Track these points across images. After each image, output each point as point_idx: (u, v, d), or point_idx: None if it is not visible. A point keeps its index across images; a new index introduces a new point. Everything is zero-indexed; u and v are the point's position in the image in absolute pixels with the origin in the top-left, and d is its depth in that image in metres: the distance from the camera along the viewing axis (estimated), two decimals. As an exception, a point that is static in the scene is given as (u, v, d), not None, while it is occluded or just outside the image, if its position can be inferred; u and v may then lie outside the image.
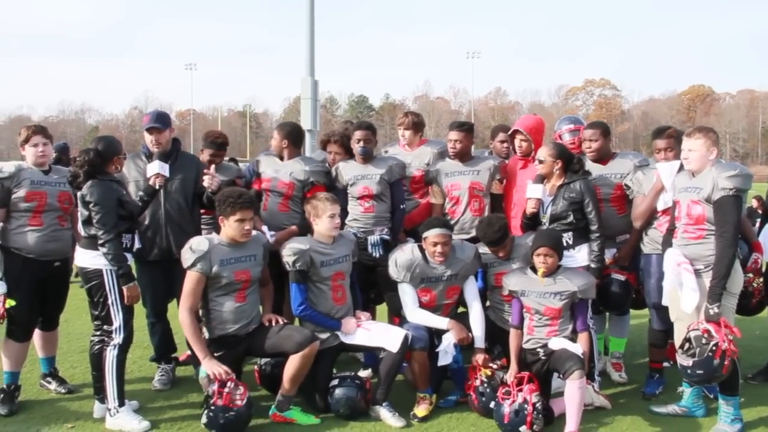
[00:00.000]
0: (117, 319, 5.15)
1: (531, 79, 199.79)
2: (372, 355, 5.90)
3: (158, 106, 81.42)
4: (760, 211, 17.25)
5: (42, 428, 5.19)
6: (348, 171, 6.17)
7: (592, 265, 5.62)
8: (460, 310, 5.92)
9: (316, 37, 16.06)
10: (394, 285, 5.71)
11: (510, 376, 5.26)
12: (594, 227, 5.63)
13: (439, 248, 5.47)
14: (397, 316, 5.90)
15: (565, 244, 5.53)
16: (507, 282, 5.43)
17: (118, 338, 5.15)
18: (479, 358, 5.51)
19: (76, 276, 5.91)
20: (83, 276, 5.22)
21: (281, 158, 6.24)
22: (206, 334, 5.31)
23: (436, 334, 5.57)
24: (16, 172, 5.42)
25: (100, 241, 5.03)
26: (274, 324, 5.43)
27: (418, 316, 5.59)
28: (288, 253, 5.43)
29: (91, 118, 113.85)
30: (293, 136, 6.26)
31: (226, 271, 5.19)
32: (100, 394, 5.24)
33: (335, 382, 5.44)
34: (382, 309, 6.48)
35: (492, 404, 5.23)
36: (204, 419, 5.00)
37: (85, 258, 5.17)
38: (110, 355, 5.13)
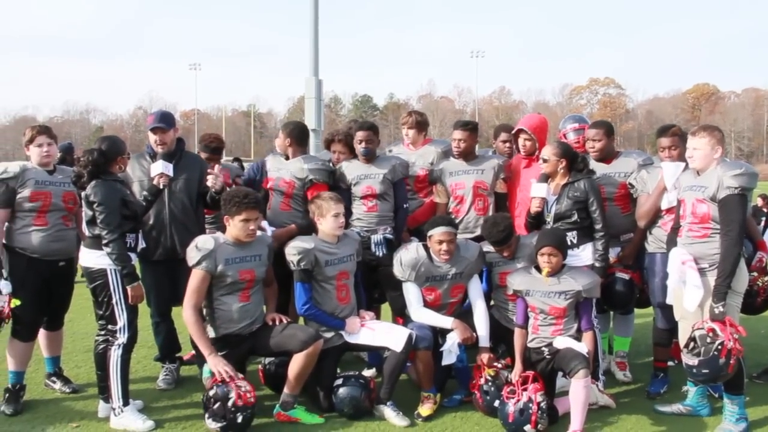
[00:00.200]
0: (121, 319, 5.16)
1: (535, 79, 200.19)
2: (376, 354, 5.91)
3: (162, 106, 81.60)
4: (765, 210, 17.31)
5: (47, 428, 5.20)
6: (351, 170, 6.17)
7: (597, 264, 5.61)
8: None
9: (321, 36, 16.08)
10: (397, 285, 5.71)
11: (515, 375, 5.25)
12: (598, 226, 5.63)
13: (444, 246, 5.47)
14: (400, 316, 5.90)
15: (569, 243, 5.52)
16: (511, 282, 5.43)
17: (122, 338, 5.17)
18: (483, 357, 5.51)
19: (81, 276, 5.92)
20: (87, 276, 5.23)
21: (286, 158, 6.25)
22: (211, 333, 5.30)
23: (440, 334, 5.57)
24: (20, 172, 5.43)
25: (104, 241, 5.04)
26: (277, 323, 5.43)
27: (422, 315, 5.59)
28: (292, 253, 5.43)
29: (96, 119, 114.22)
30: (296, 134, 6.26)
31: (230, 270, 5.20)
32: (105, 393, 5.26)
33: (339, 381, 5.44)
34: (386, 308, 6.47)
35: (496, 403, 5.23)
36: (216, 424, 4.97)
37: (90, 258, 5.18)
38: (114, 355, 5.14)
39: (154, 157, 5.82)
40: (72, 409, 5.56)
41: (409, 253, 5.62)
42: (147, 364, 6.68)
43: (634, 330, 6.51)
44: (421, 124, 6.66)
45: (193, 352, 6.17)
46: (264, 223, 5.85)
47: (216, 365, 5.08)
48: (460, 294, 5.75)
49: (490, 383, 5.39)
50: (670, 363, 6.08)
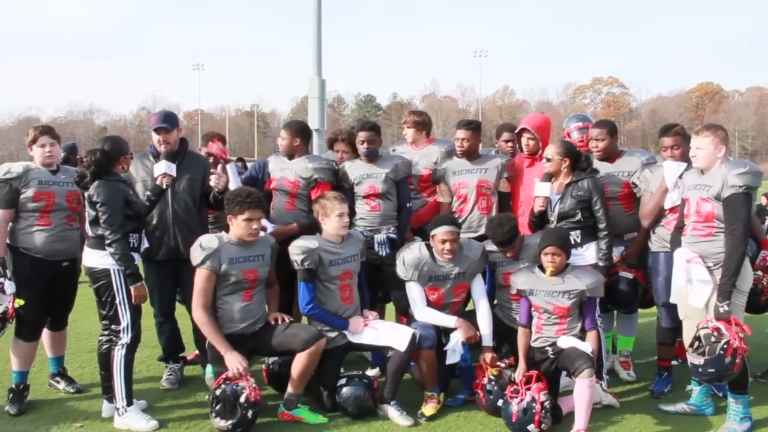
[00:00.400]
0: (125, 319, 5.17)
1: (538, 78, 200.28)
2: (380, 354, 5.90)
3: (166, 107, 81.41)
4: (769, 209, 17.27)
5: (51, 428, 5.20)
6: (353, 170, 6.17)
7: (600, 264, 5.60)
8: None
9: (324, 36, 16.05)
10: (401, 284, 5.71)
11: (518, 375, 5.24)
12: (602, 225, 5.62)
13: (447, 246, 5.47)
14: (404, 315, 5.90)
15: (573, 242, 5.51)
16: (515, 281, 5.43)
17: (125, 338, 5.17)
18: (486, 356, 5.50)
19: (85, 275, 5.92)
20: (91, 276, 5.24)
21: (290, 158, 6.25)
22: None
23: (443, 333, 5.57)
24: (23, 173, 5.44)
25: (108, 241, 5.04)
26: (280, 322, 5.43)
27: (425, 314, 5.59)
28: (296, 252, 5.43)
29: (100, 119, 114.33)
30: (303, 132, 6.31)
31: (234, 270, 5.20)
32: (109, 393, 5.26)
33: (343, 381, 5.44)
34: (390, 307, 6.47)
35: (500, 402, 5.22)
36: (227, 421, 4.97)
37: (93, 258, 5.19)
38: (118, 355, 5.15)
39: (157, 157, 5.82)
40: (76, 409, 5.57)
41: (412, 253, 5.62)
42: (150, 363, 6.68)
43: (637, 329, 6.50)
44: (419, 124, 6.65)
45: (197, 352, 6.20)
46: (264, 221, 5.85)
47: (233, 362, 5.09)
48: (463, 293, 5.75)
49: (493, 383, 5.39)
50: (674, 362, 6.07)
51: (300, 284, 5.48)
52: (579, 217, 5.62)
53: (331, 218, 5.49)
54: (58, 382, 5.99)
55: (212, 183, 5.76)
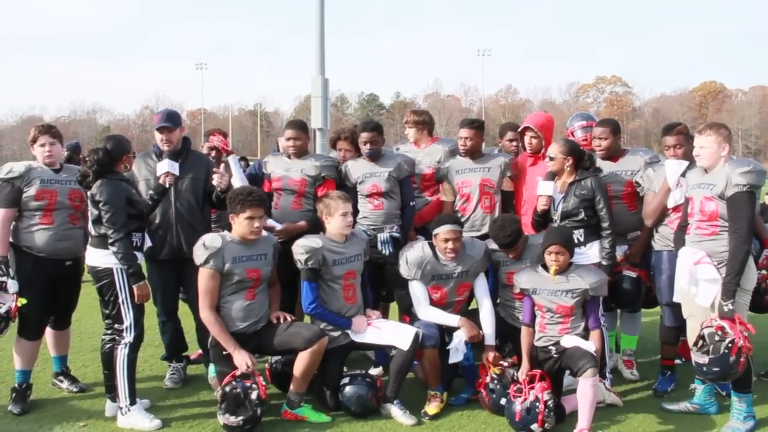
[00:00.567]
0: (128, 318, 5.17)
1: (542, 77, 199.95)
2: (383, 353, 5.90)
3: (169, 106, 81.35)
4: (773, 208, 17.21)
5: (54, 427, 5.21)
6: (356, 169, 6.17)
7: (604, 263, 5.60)
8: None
9: (327, 35, 16.12)
10: (404, 283, 5.70)
11: (522, 374, 5.24)
12: (605, 224, 5.61)
13: (450, 244, 5.46)
14: (407, 314, 5.89)
15: (576, 241, 5.51)
16: (518, 280, 5.42)
17: (128, 337, 5.17)
18: (489, 355, 5.50)
19: (88, 273, 5.92)
20: (94, 275, 5.24)
21: (288, 156, 6.26)
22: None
23: (446, 332, 5.56)
24: (25, 172, 5.44)
25: (110, 240, 5.05)
26: (282, 321, 5.43)
27: (428, 313, 5.59)
28: (300, 251, 5.42)
29: (103, 118, 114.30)
30: (307, 129, 6.32)
31: (238, 269, 5.20)
32: (112, 392, 5.27)
33: (346, 380, 5.44)
34: (394, 306, 6.47)
35: (503, 401, 5.22)
36: (237, 417, 4.96)
37: (96, 257, 5.19)
38: (121, 354, 5.15)
39: (160, 156, 5.82)
40: (79, 409, 5.57)
41: (414, 252, 5.61)
42: (154, 363, 6.69)
43: (641, 328, 6.48)
44: (420, 123, 6.65)
45: (200, 351, 6.20)
46: (270, 221, 5.85)
47: (242, 360, 5.10)
48: (466, 292, 5.74)
49: (496, 382, 5.38)
50: (677, 361, 6.06)
51: (303, 284, 5.47)
52: (582, 216, 5.62)
53: (335, 217, 5.49)
54: (62, 382, 6.00)
55: (215, 182, 5.75)
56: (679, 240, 5.19)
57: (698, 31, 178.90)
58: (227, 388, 5.05)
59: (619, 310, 6.41)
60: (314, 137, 15.15)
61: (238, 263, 5.20)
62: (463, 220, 6.02)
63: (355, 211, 5.99)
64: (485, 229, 6.00)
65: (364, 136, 6.13)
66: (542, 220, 5.80)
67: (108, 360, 5.22)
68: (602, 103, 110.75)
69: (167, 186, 5.55)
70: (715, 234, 4.89)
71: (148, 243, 5.53)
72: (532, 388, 5.06)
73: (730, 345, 4.63)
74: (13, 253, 5.45)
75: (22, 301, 5.29)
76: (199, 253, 5.20)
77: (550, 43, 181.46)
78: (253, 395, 5.00)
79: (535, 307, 5.33)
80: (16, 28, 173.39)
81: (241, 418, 4.96)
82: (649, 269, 5.91)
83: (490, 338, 5.55)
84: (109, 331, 5.25)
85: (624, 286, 5.79)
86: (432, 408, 5.39)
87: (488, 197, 6.21)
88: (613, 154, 6.05)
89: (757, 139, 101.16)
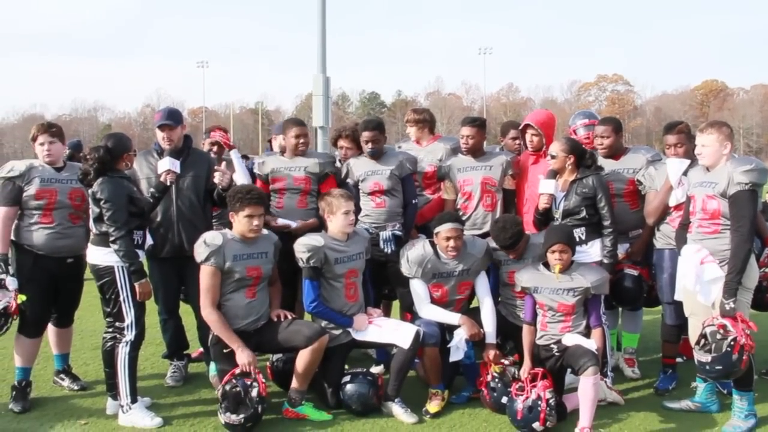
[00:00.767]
0: (129, 316, 5.17)
1: (543, 75, 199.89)
2: (384, 351, 5.90)
3: (170, 104, 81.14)
4: (774, 206, 17.18)
5: (55, 425, 5.21)
6: (359, 167, 6.17)
7: (605, 261, 5.59)
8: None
9: (328, 33, 16.04)
10: (406, 281, 5.70)
11: (523, 372, 5.24)
12: (607, 222, 5.61)
13: (451, 243, 5.46)
14: (409, 312, 5.89)
15: (577, 239, 5.51)
16: (519, 279, 5.41)
17: (130, 335, 5.18)
18: (490, 354, 5.50)
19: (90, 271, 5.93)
20: (95, 273, 5.24)
21: (282, 153, 6.28)
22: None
23: (447, 330, 5.56)
24: (26, 171, 5.45)
25: (112, 238, 5.05)
26: (282, 319, 5.43)
27: (429, 311, 5.58)
28: (302, 250, 5.42)
29: (104, 116, 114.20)
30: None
31: (238, 267, 5.20)
32: (113, 390, 5.27)
33: (347, 378, 5.44)
34: (397, 304, 6.46)
35: (504, 399, 5.22)
36: (238, 416, 4.96)
37: (97, 255, 5.19)
38: (122, 352, 5.16)
39: (161, 154, 5.81)
40: (80, 407, 5.58)
41: (415, 250, 5.61)
42: (155, 361, 6.69)
43: (642, 326, 6.48)
44: (420, 122, 6.66)
45: (201, 349, 6.20)
46: (282, 220, 5.86)
47: (245, 358, 5.10)
48: (467, 291, 5.74)
49: (497, 380, 5.38)
50: (678, 359, 6.07)
51: (305, 282, 5.47)
52: (584, 214, 5.61)
53: (337, 216, 5.49)
54: (63, 380, 6.00)
55: (216, 180, 5.76)
56: (681, 238, 5.18)
57: (700, 30, 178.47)
58: (227, 387, 5.05)
59: (620, 309, 6.41)
60: (315, 135, 15.15)
61: (238, 261, 5.20)
62: (464, 218, 6.02)
63: (357, 209, 5.99)
64: (486, 228, 6.00)
65: (365, 135, 6.12)
66: (544, 218, 5.79)
67: (109, 358, 5.22)
68: (604, 102, 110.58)
69: (168, 184, 5.55)
70: (717, 232, 4.88)
71: (149, 241, 5.54)
72: (534, 386, 5.05)
73: (732, 343, 4.62)
74: (15, 251, 5.46)
75: (22, 297, 5.30)
76: (200, 251, 5.20)
77: (552, 42, 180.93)
78: (254, 393, 5.01)
79: (537, 306, 5.32)
80: (16, 26, 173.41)
81: (242, 416, 4.96)
82: (651, 267, 5.91)
83: (491, 336, 5.55)
84: (111, 329, 5.25)
85: (625, 285, 5.79)
86: (433, 406, 5.39)
87: (490, 195, 6.21)
88: (615, 152, 6.05)
89: (758, 137, 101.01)
